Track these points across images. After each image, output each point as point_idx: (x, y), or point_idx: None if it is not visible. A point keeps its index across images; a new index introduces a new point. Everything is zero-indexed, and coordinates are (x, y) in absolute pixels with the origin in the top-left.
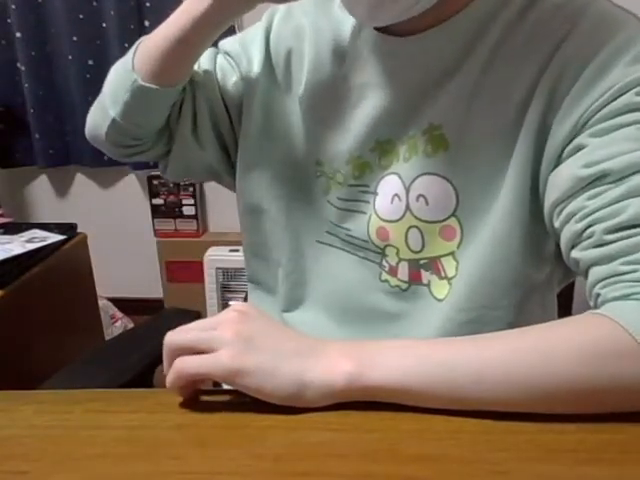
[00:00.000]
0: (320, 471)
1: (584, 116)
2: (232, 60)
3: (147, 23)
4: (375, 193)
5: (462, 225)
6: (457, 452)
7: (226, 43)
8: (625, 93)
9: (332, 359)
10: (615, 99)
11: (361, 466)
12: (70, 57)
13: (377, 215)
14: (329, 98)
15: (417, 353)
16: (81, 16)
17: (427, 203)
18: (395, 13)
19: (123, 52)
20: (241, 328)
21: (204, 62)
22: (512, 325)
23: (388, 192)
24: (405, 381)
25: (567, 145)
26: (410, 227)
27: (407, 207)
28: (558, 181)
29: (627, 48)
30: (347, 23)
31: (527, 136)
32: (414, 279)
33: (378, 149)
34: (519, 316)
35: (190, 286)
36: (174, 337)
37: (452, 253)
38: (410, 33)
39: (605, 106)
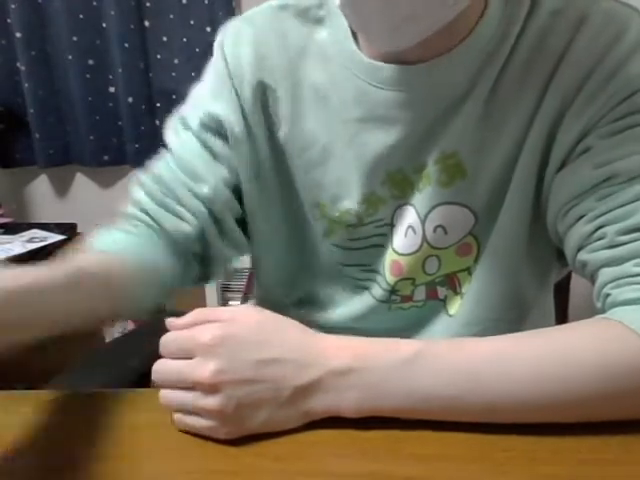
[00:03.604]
0: (320, 471)
1: (593, 118)
2: (216, 133)
3: (147, 23)
4: (391, 224)
5: (479, 241)
6: (457, 452)
7: (207, 111)
8: (634, 94)
9: (337, 392)
10: (624, 100)
11: (361, 466)
12: (70, 57)
13: (393, 249)
14: (318, 138)
15: (425, 374)
16: (81, 16)
17: (445, 232)
18: (415, 35)
19: (123, 52)
20: (223, 381)
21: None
22: None
23: (403, 224)
24: (416, 405)
25: (575, 146)
26: (427, 257)
27: (424, 239)
28: (565, 182)
29: (635, 49)
30: (326, 49)
31: (532, 145)
32: (431, 296)
33: (389, 181)
34: (522, 326)
35: None
36: (159, 375)
37: (468, 268)
38: (419, 61)
39: (614, 108)
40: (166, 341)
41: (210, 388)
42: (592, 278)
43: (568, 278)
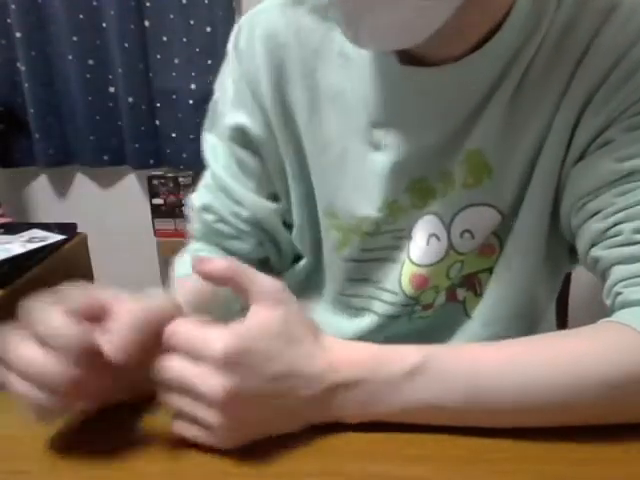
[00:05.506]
0: (320, 471)
1: (616, 110)
2: (244, 144)
3: (147, 23)
4: (409, 237)
5: (501, 240)
6: (457, 452)
7: (232, 122)
8: None
9: (342, 403)
10: None
11: (361, 467)
12: (70, 57)
13: (411, 261)
14: (335, 140)
15: (430, 385)
16: (81, 16)
17: (473, 237)
18: (403, 39)
19: (123, 52)
20: (231, 397)
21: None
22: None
23: (422, 234)
24: (421, 414)
25: (596, 138)
26: (453, 264)
27: (450, 246)
28: (583, 175)
29: None
30: (346, 50)
31: (555, 137)
32: (450, 299)
33: (411, 188)
34: (534, 325)
35: None
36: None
37: (490, 269)
38: (446, 60)
39: (638, 101)
40: (175, 332)
41: (215, 403)
42: (603, 275)
43: (568, 278)
